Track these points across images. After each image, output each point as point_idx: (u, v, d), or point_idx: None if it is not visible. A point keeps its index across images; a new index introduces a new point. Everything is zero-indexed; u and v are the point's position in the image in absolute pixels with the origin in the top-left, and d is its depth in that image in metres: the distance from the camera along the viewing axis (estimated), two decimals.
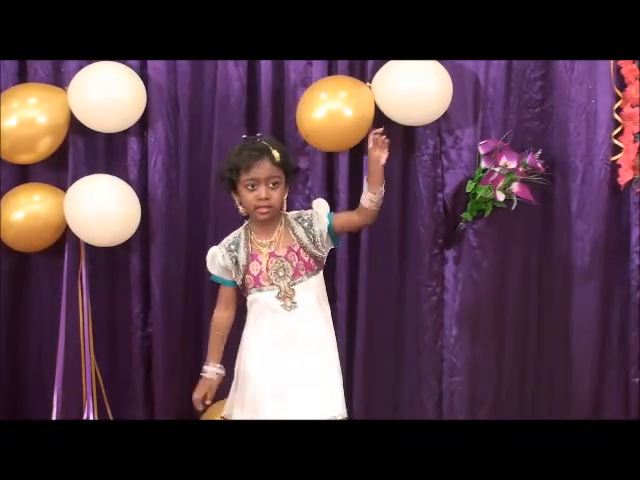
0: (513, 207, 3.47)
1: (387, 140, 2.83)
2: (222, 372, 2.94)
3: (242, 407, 2.91)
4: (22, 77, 3.56)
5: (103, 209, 3.41)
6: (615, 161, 3.48)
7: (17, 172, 3.58)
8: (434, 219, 3.57)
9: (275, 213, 2.88)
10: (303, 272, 2.88)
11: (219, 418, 3.05)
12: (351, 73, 3.49)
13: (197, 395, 2.89)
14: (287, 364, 2.86)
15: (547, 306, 3.65)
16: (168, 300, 3.61)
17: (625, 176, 3.48)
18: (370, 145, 2.84)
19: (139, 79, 3.46)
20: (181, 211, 3.62)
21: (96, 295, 3.63)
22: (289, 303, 2.86)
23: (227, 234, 3.48)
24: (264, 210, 2.84)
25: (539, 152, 3.47)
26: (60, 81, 3.53)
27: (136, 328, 3.63)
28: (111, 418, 3.64)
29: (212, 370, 2.92)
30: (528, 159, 3.44)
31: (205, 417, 3.57)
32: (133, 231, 3.50)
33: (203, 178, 3.60)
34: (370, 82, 3.43)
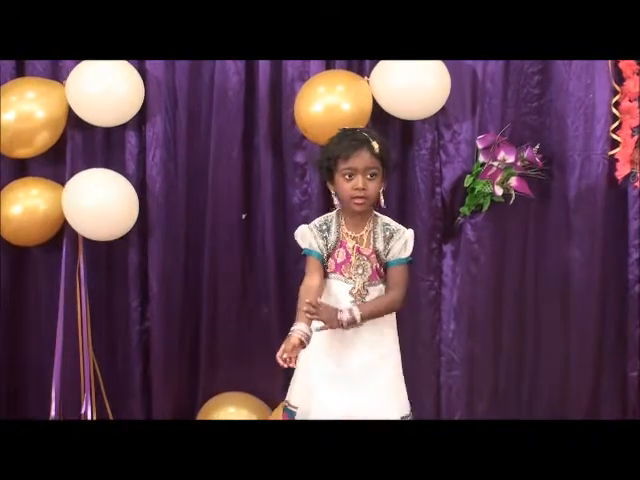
0: (511, 201, 3.47)
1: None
2: (310, 333, 2.76)
3: (304, 393, 2.90)
4: (20, 71, 3.56)
5: (101, 203, 3.40)
6: (613, 155, 3.49)
7: (15, 166, 3.57)
8: (432, 213, 3.57)
9: (370, 205, 2.87)
10: (377, 277, 2.87)
11: (220, 414, 3.02)
12: (349, 67, 3.49)
13: (280, 352, 2.73)
14: (350, 358, 2.85)
15: (545, 301, 3.65)
16: (166, 294, 3.60)
17: (623, 170, 3.48)
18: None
19: (137, 73, 3.45)
20: (179, 205, 3.61)
21: (94, 289, 3.62)
22: (359, 301, 2.85)
23: (225, 227, 3.51)
24: (360, 201, 2.81)
25: (537, 146, 3.47)
26: (58, 75, 3.53)
27: (134, 322, 3.63)
28: (109, 412, 3.64)
29: (299, 328, 2.75)
30: (526, 153, 3.44)
31: (202, 417, 3.59)
32: (131, 225, 3.49)
33: (201, 172, 3.59)
34: (368, 76, 3.43)
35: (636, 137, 3.47)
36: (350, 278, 2.86)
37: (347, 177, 2.81)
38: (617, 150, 3.48)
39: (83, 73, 3.40)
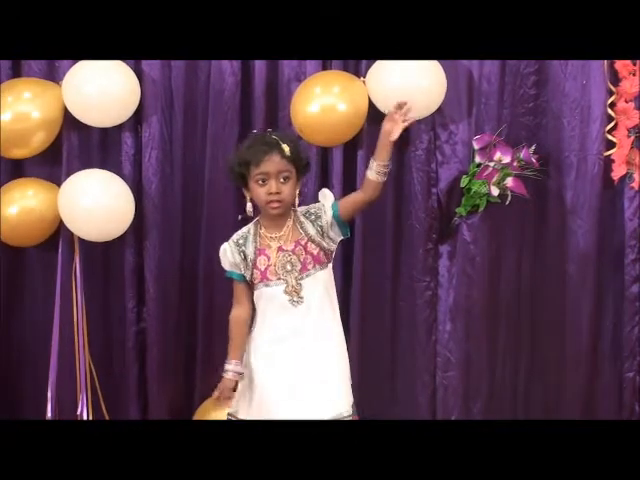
0: (507, 202, 3.47)
1: (406, 119, 2.83)
2: (242, 370, 2.88)
3: (249, 404, 2.90)
4: (16, 72, 3.56)
5: (97, 204, 3.40)
6: (609, 156, 3.49)
7: (11, 167, 3.58)
8: (428, 214, 3.57)
9: (286, 208, 2.87)
10: (311, 266, 2.86)
11: (216, 414, 3.04)
12: (345, 68, 3.49)
13: (216, 394, 2.85)
14: (293, 360, 2.85)
15: (541, 301, 3.65)
16: (162, 295, 3.60)
17: (619, 171, 3.48)
18: (386, 117, 2.84)
19: (133, 74, 3.45)
20: (175, 206, 3.61)
21: (90, 290, 3.62)
22: (296, 298, 2.85)
23: (221, 228, 3.51)
24: (275, 205, 2.82)
25: (533, 147, 3.47)
26: (54, 76, 3.53)
27: (130, 323, 3.63)
28: (105, 413, 3.64)
29: (232, 369, 2.87)
30: (522, 154, 3.44)
31: (197, 417, 3.58)
32: (127, 226, 3.50)
33: (197, 173, 3.60)
34: (364, 77, 3.43)
35: (632, 138, 3.48)
36: (279, 279, 2.85)
37: (260, 182, 2.82)
38: (613, 151, 3.48)
39: (79, 74, 3.40)
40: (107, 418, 3.63)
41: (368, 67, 3.43)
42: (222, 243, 3.56)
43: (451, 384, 3.64)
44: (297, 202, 2.93)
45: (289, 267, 2.85)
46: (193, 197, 3.61)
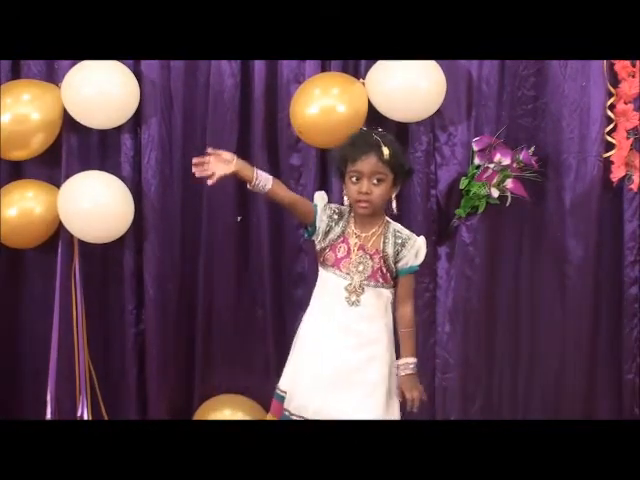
0: (507, 203, 3.47)
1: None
2: (266, 184, 2.86)
3: (289, 379, 2.94)
4: (15, 73, 3.56)
5: (96, 205, 3.40)
6: (608, 157, 3.49)
7: (10, 168, 3.58)
8: (427, 216, 3.57)
9: (375, 210, 2.86)
10: (381, 279, 2.86)
11: (216, 415, 3.03)
12: (345, 69, 3.49)
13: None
14: (334, 358, 2.85)
15: (540, 303, 3.66)
16: (161, 296, 3.60)
17: (618, 172, 3.49)
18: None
19: (132, 76, 3.45)
20: (175, 207, 3.61)
21: (89, 291, 3.63)
22: (354, 298, 2.84)
23: (221, 230, 3.51)
24: (364, 205, 2.82)
25: (532, 148, 3.47)
26: (53, 77, 3.53)
27: (129, 324, 3.62)
28: (105, 415, 3.63)
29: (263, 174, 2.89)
30: (522, 156, 3.44)
31: (197, 416, 3.58)
32: (126, 227, 3.50)
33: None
34: (364, 78, 3.43)
35: (631, 139, 3.48)
36: (348, 274, 2.85)
37: (354, 180, 2.82)
38: (612, 152, 3.49)
39: (78, 75, 3.40)
40: (106, 419, 3.62)
41: (367, 69, 3.44)
42: (222, 244, 3.59)
43: (450, 386, 3.64)
44: (394, 206, 2.91)
45: (361, 268, 2.85)
46: (192, 198, 3.61)
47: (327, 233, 2.90)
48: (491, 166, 3.44)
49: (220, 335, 3.65)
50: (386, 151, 2.79)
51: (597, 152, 3.48)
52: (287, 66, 3.52)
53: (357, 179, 2.81)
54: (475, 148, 3.48)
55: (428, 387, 3.65)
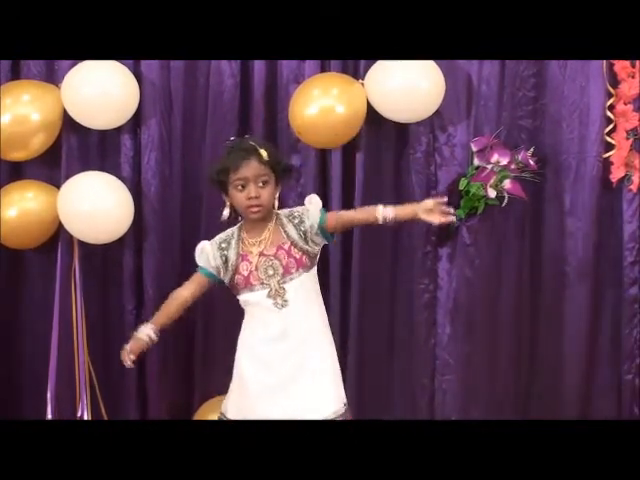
0: (504, 203, 3.47)
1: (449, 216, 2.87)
2: (154, 337, 2.90)
3: (238, 406, 2.92)
4: (15, 74, 3.56)
5: (96, 206, 3.40)
6: (607, 158, 3.50)
7: (10, 169, 3.58)
8: None
9: (266, 212, 2.87)
10: (294, 270, 2.86)
11: (216, 416, 3.05)
12: (344, 70, 3.49)
13: (127, 352, 2.88)
14: (281, 363, 2.86)
15: (540, 303, 3.66)
16: (161, 297, 3.56)
17: (617, 173, 3.49)
18: (430, 206, 2.85)
19: (132, 76, 3.45)
20: (174, 208, 3.62)
21: (89, 292, 3.63)
22: (280, 301, 2.84)
23: (220, 230, 3.49)
24: (255, 209, 2.83)
25: (532, 149, 3.47)
26: (53, 78, 3.53)
27: (129, 325, 3.60)
28: (105, 416, 3.63)
29: (144, 331, 2.90)
30: (520, 156, 3.44)
31: (198, 417, 3.58)
32: (126, 228, 3.50)
33: (196, 175, 3.60)
34: (363, 79, 3.44)
35: (631, 140, 3.48)
36: (262, 283, 2.86)
37: (239, 188, 2.83)
38: (612, 153, 3.49)
39: (78, 76, 3.41)
40: (106, 419, 3.62)
41: (367, 69, 3.44)
42: None
43: (450, 387, 3.64)
44: (276, 206, 2.92)
45: (271, 271, 2.85)
46: (192, 199, 3.61)
47: (226, 263, 2.91)
48: (489, 166, 3.44)
49: (220, 335, 3.65)
50: (264, 153, 2.81)
51: (597, 153, 3.49)
52: (287, 66, 3.53)
53: (243, 186, 2.82)
54: (474, 149, 3.48)
55: (428, 388, 3.68)
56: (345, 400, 2.89)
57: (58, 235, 3.56)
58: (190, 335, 3.67)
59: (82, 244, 3.54)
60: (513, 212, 3.54)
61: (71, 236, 3.52)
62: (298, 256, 2.87)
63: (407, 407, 3.69)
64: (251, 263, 2.87)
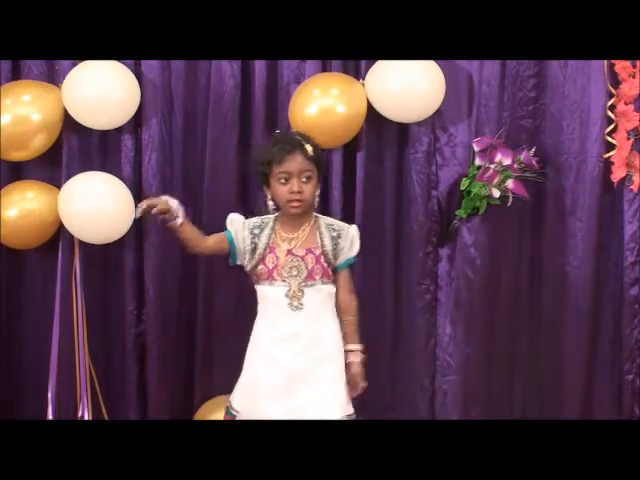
0: (509, 203, 3.46)
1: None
2: (176, 212, 2.98)
3: (245, 400, 2.95)
4: (16, 74, 3.56)
5: (97, 206, 3.40)
6: (608, 158, 3.49)
7: (11, 169, 3.57)
8: (428, 217, 3.57)
9: (306, 208, 2.89)
10: (318, 277, 2.89)
11: (217, 416, 3.05)
12: (345, 70, 3.49)
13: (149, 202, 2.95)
14: (289, 363, 2.87)
15: (540, 304, 3.65)
16: (162, 297, 3.60)
17: (618, 173, 3.49)
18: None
19: (133, 76, 3.45)
20: None
21: (90, 292, 3.62)
22: (296, 303, 2.87)
23: (221, 230, 3.49)
24: (296, 204, 2.85)
25: (533, 149, 3.47)
26: (54, 78, 3.53)
27: (130, 325, 3.62)
28: (105, 416, 3.63)
29: (175, 200, 2.99)
30: (522, 156, 3.44)
31: (198, 417, 3.58)
32: (127, 228, 3.49)
33: (197, 175, 3.60)
34: (363, 79, 3.43)
35: (631, 140, 3.48)
36: (284, 280, 2.87)
37: (282, 181, 2.85)
38: (612, 153, 3.49)
39: (79, 76, 3.40)
40: (107, 419, 3.62)
41: (367, 69, 3.44)
42: None
43: (451, 388, 3.64)
44: (316, 203, 2.96)
45: (295, 272, 2.87)
46: (193, 199, 3.60)
47: (254, 250, 2.92)
48: (492, 166, 3.44)
49: (220, 335, 3.65)
50: (309, 148, 2.85)
51: (597, 153, 3.49)
52: (287, 67, 3.53)
53: (286, 180, 2.85)
54: (476, 148, 3.48)
55: (428, 389, 3.67)
56: (350, 412, 2.92)
57: (59, 235, 3.55)
58: (190, 335, 3.67)
59: (83, 244, 3.54)
60: (513, 212, 3.53)
61: (72, 236, 3.52)
62: (325, 265, 2.90)
63: (408, 407, 3.69)
64: (278, 258, 2.89)
